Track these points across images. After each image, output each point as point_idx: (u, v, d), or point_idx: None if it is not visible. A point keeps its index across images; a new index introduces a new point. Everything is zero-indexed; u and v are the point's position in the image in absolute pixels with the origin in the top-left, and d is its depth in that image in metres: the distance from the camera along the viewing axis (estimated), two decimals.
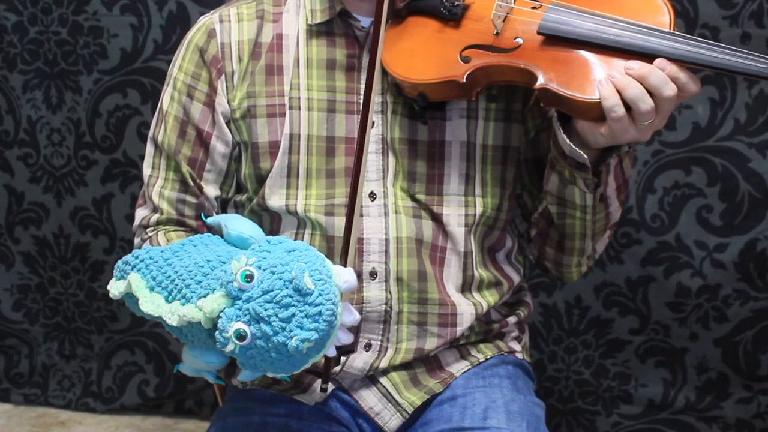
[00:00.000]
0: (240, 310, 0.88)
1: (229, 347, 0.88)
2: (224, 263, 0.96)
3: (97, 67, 2.16)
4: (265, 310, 0.87)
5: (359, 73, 1.17)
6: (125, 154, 2.21)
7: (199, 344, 0.97)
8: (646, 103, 0.98)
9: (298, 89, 1.17)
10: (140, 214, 1.24)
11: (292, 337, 0.87)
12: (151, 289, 0.98)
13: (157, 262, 0.99)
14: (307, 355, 0.89)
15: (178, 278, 0.96)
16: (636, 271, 2.01)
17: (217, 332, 0.89)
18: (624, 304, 2.04)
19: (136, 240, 1.24)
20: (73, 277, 2.35)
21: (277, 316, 0.87)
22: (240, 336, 0.88)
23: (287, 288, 0.88)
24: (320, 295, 0.88)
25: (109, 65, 2.15)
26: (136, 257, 1.01)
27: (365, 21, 1.16)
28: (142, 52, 2.12)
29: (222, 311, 0.89)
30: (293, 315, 0.88)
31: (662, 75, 0.98)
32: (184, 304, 0.94)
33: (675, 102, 0.99)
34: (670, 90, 0.98)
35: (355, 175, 1.02)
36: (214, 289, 0.92)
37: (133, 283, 0.98)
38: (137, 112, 2.18)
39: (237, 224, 1.04)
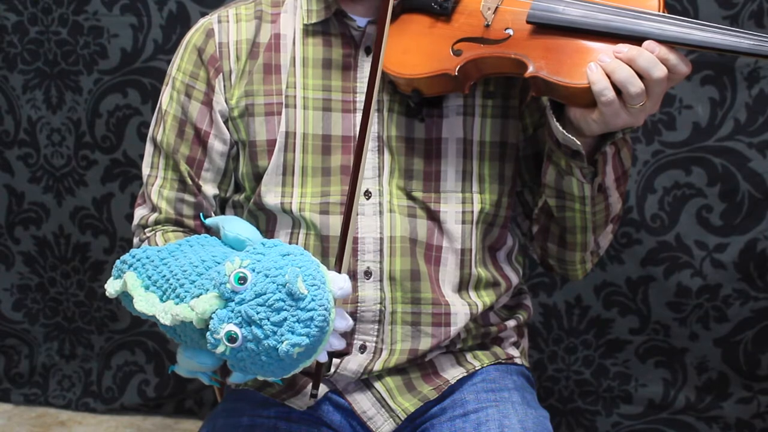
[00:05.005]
0: (232, 312, 0.88)
1: (220, 349, 0.88)
2: (219, 263, 0.96)
3: (97, 67, 2.16)
4: (257, 313, 0.87)
5: (355, 72, 1.17)
6: (125, 154, 2.21)
7: (192, 344, 0.97)
8: (636, 86, 0.98)
9: (294, 88, 1.17)
10: (139, 213, 1.24)
11: (282, 342, 0.87)
12: (147, 288, 0.98)
13: (153, 261, 0.99)
14: (298, 359, 0.89)
15: (173, 278, 0.96)
16: (636, 271, 2.01)
17: (208, 333, 0.89)
18: (624, 304, 2.04)
19: (135, 240, 1.24)
20: (73, 277, 2.36)
21: (268, 319, 0.87)
22: (231, 338, 0.87)
23: (280, 292, 0.88)
24: (313, 300, 0.88)
25: (109, 65, 2.15)
26: (133, 256, 1.01)
27: (361, 21, 1.17)
28: (142, 52, 2.12)
29: (214, 312, 0.89)
30: (285, 319, 0.87)
31: (651, 57, 0.98)
32: (177, 304, 0.94)
33: (666, 84, 0.99)
34: (660, 71, 0.98)
35: (352, 182, 1.02)
36: (208, 290, 0.92)
37: (128, 281, 0.98)
38: (137, 112, 2.18)
39: (234, 226, 1.04)
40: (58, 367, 2.42)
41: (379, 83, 1.03)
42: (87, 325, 2.38)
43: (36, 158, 2.28)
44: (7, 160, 2.30)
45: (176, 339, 1.00)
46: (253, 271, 0.89)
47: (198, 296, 0.92)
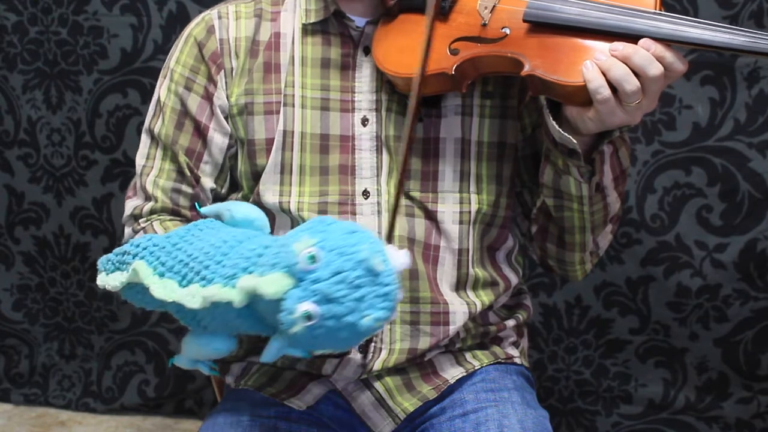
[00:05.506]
0: (306, 291, 0.87)
1: (296, 328, 0.87)
2: (242, 243, 0.95)
3: (97, 67, 2.16)
4: (338, 290, 0.86)
5: (354, 72, 1.17)
6: (125, 154, 2.21)
7: (217, 328, 0.96)
8: (631, 84, 0.98)
9: (293, 87, 1.17)
10: (131, 204, 1.23)
11: (364, 317, 0.87)
12: (162, 275, 0.96)
13: (164, 248, 0.98)
14: (368, 333, 0.90)
15: (192, 261, 0.95)
16: (636, 271, 2.01)
17: (282, 314, 0.88)
18: (624, 304, 2.04)
19: (127, 230, 1.23)
20: (73, 277, 2.36)
21: (349, 296, 0.87)
22: (308, 316, 0.87)
23: (358, 269, 0.87)
24: (388, 275, 0.89)
25: (109, 65, 2.16)
26: (137, 246, 1.00)
27: (359, 21, 1.17)
28: (142, 52, 2.13)
29: (286, 292, 0.89)
30: (364, 296, 0.87)
31: (647, 54, 0.97)
32: (204, 286, 0.93)
33: (662, 82, 0.99)
34: (656, 69, 0.98)
35: (399, 183, 1.03)
36: (246, 268, 0.91)
37: (140, 271, 0.97)
38: (137, 112, 2.18)
39: (241, 207, 1.04)
40: (58, 367, 2.42)
41: (418, 94, 1.04)
42: (87, 325, 2.38)
43: (36, 158, 2.29)
44: (7, 160, 2.31)
45: (192, 325, 0.99)
46: (324, 249, 0.88)
47: (231, 276, 0.91)
